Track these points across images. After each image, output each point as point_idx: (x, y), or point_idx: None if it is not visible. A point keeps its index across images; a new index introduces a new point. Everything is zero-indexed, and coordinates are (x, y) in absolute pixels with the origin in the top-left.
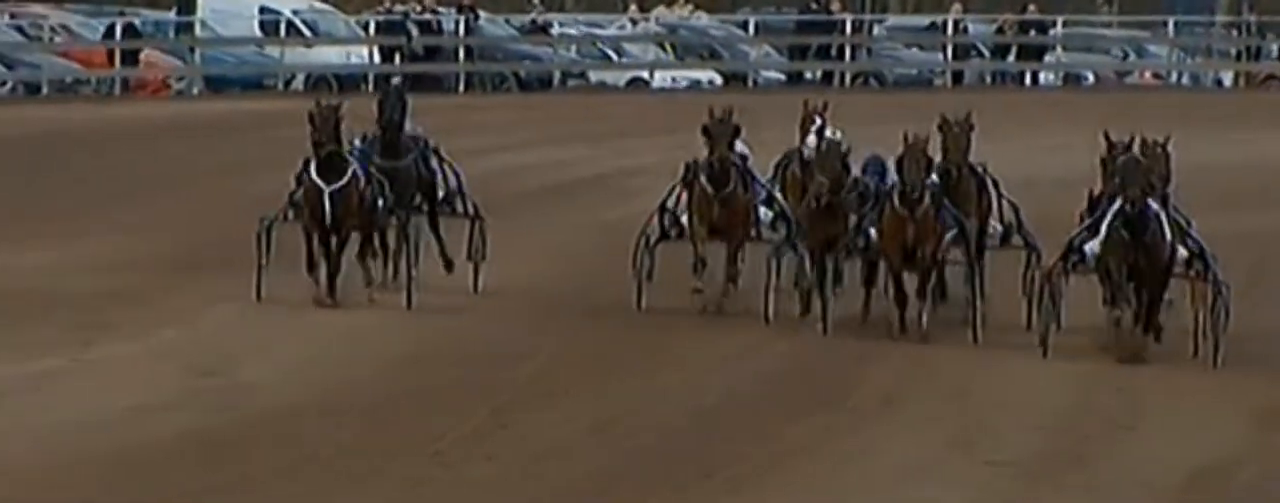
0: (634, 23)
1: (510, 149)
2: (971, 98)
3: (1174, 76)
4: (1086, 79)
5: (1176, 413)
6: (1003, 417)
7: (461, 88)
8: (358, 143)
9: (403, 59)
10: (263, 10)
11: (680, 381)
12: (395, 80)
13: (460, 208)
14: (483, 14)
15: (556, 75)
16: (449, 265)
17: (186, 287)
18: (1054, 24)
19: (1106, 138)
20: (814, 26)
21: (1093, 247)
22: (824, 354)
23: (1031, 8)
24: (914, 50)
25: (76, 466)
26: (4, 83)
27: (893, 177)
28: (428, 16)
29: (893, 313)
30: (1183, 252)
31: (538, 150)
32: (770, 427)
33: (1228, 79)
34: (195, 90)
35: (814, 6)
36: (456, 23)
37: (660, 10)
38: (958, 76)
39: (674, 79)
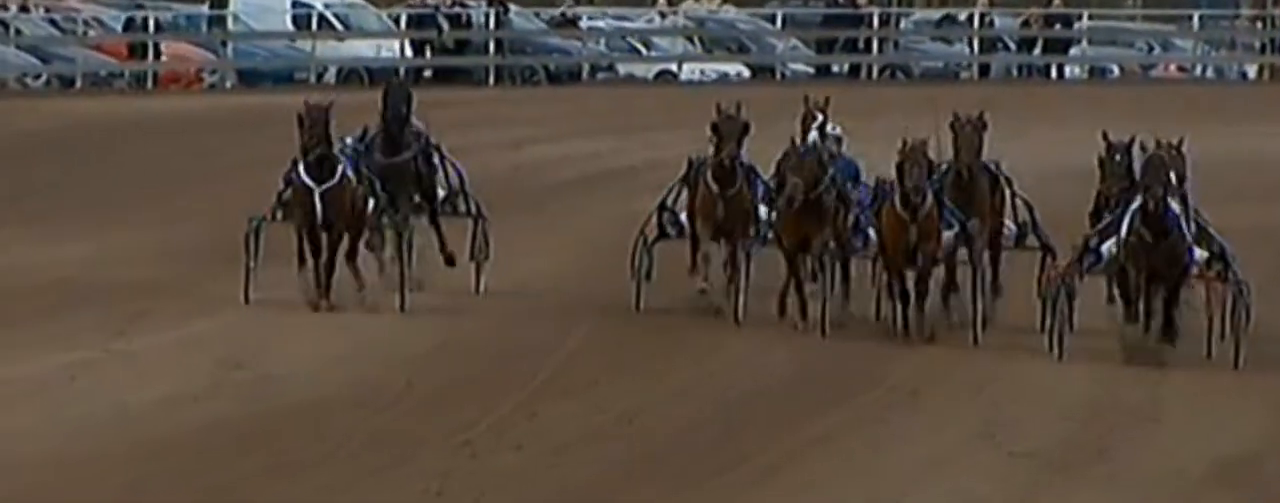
0: (662, 16)
1: (540, 141)
2: (997, 91)
3: (1198, 70)
4: (1112, 72)
5: (1199, 406)
6: (1025, 409)
7: (491, 81)
8: (349, 141)
9: (433, 53)
10: (295, 4)
11: (704, 374)
12: (399, 76)
13: (463, 207)
14: (512, 8)
15: (585, 68)
16: (450, 260)
17: (218, 279)
18: (1079, 18)
19: (1105, 137)
20: (841, 20)
21: (1109, 247)
22: (844, 350)
23: (1057, 1)
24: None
25: (110, 455)
26: (39, 76)
27: (866, 178)
28: (458, 10)
29: (893, 314)
30: (1201, 252)
31: (567, 143)
32: (794, 419)
33: (1252, 72)
34: (228, 84)
35: (841, 0)
36: (486, 16)
37: (688, 4)
38: (984, 70)
39: (702, 72)
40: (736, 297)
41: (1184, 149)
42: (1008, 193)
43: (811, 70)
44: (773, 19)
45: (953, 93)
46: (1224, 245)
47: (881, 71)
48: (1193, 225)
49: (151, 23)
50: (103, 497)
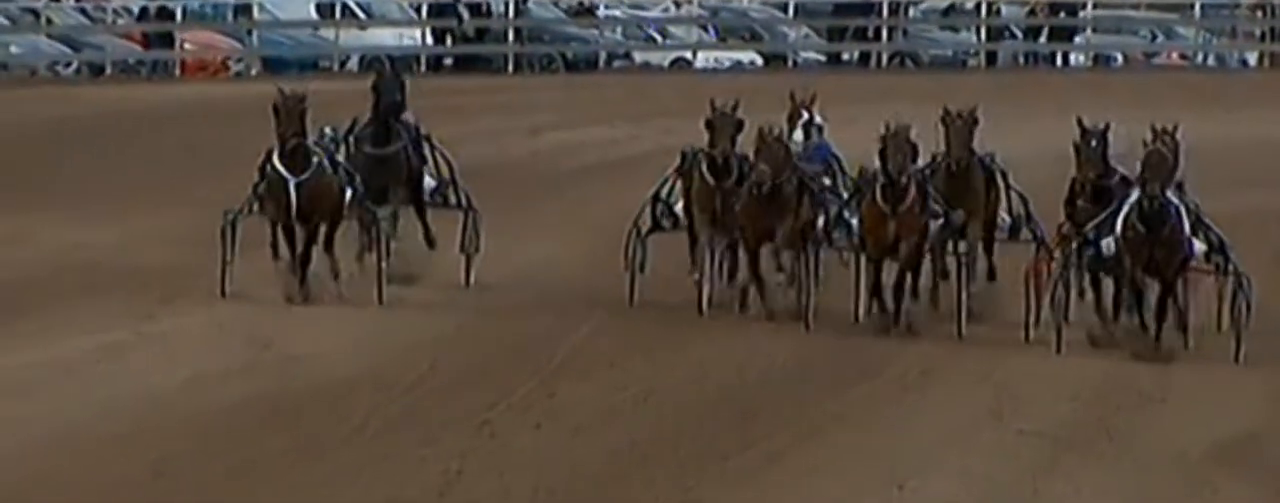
0: (677, 5)
1: (558, 128)
2: (1004, 78)
3: (1200, 57)
4: (1115, 60)
5: (1204, 387)
6: (1033, 390)
7: (511, 69)
8: (328, 132)
9: (454, 41)
10: None
11: (720, 354)
12: (389, 64)
13: (453, 199)
14: None
15: (602, 56)
16: (432, 244)
17: (246, 261)
18: (1084, 6)
19: (1079, 123)
20: (851, 9)
21: (1107, 243)
22: (854, 334)
23: None
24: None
25: (138, 434)
26: (70, 64)
27: (850, 168)
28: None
29: (870, 306)
30: (1200, 245)
31: (585, 129)
32: (807, 401)
33: (1253, 59)
34: (253, 71)
35: None
36: (506, 5)
37: None
38: (991, 58)
39: (716, 60)
40: (700, 285)
41: (1179, 137)
42: (1002, 185)
43: (823, 58)
44: (785, 8)
45: (960, 80)
46: (1222, 237)
47: (891, 59)
48: (1190, 217)
49: (179, 12)
50: (132, 474)
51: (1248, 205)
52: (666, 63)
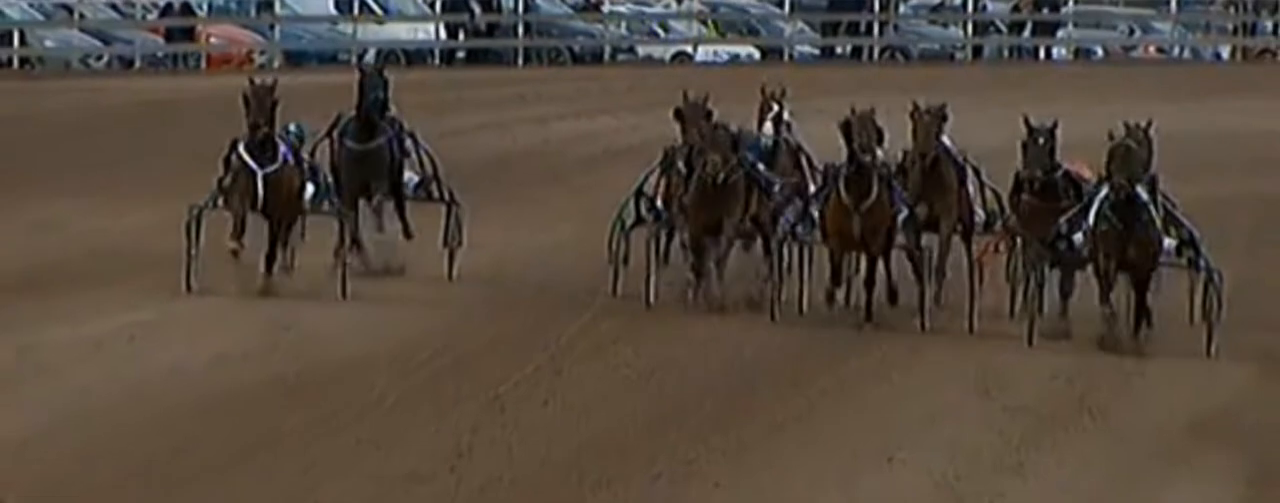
0: (678, 1)
1: (566, 118)
2: (989, 71)
3: (1176, 51)
4: (1096, 53)
5: (1181, 364)
6: (1018, 366)
7: (520, 62)
8: (293, 127)
9: (466, 35)
10: None
11: (719, 336)
12: (371, 61)
13: (436, 194)
14: None
15: (607, 50)
16: (409, 236)
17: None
18: (1066, 2)
19: (1026, 121)
20: (844, 4)
21: (1080, 237)
22: (849, 316)
23: None
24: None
25: (168, 410)
26: (101, 57)
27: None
28: None
29: (832, 298)
30: (1170, 241)
31: (592, 119)
32: (802, 376)
33: (1225, 53)
34: (275, 64)
35: None
36: (516, 1)
37: None
38: (977, 51)
39: (716, 53)
40: (647, 279)
41: (1151, 133)
42: (976, 182)
43: (817, 52)
44: (781, 3)
45: (948, 73)
46: (1193, 233)
47: (882, 53)
48: (1161, 212)
49: (204, 7)
50: (159, 448)
51: (1221, 191)
52: (668, 56)
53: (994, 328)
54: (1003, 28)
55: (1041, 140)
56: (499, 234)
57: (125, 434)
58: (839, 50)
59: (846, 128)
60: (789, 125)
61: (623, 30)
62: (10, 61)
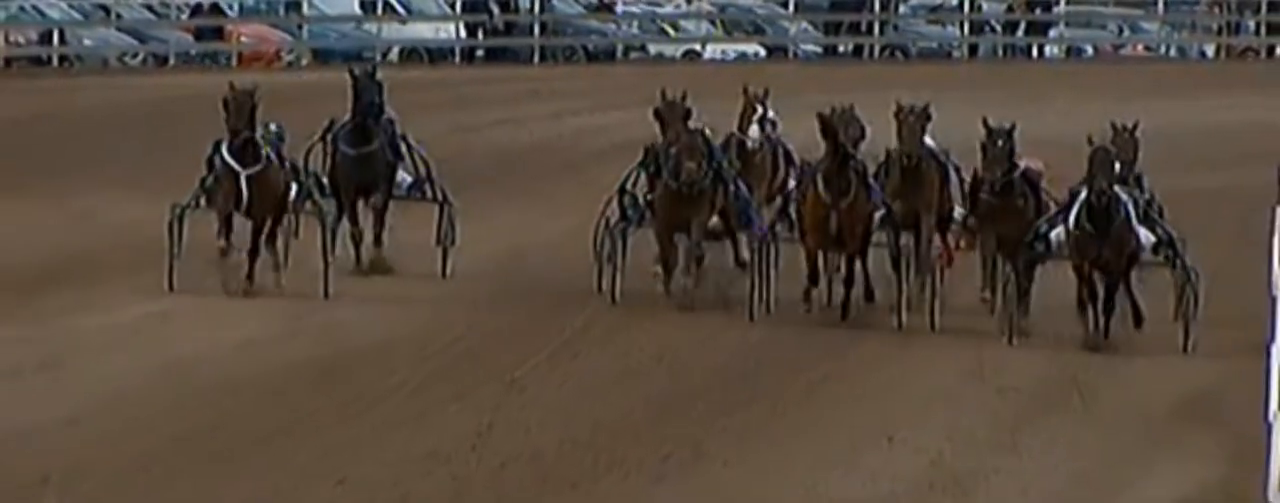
0: (688, 2)
1: (580, 113)
2: (985, 69)
3: (1163, 49)
4: (1086, 52)
5: (1167, 349)
6: (1010, 352)
7: (536, 59)
8: (273, 128)
9: (485, 34)
10: None
11: (728, 322)
12: (367, 65)
13: (430, 194)
14: None
15: (620, 48)
16: (378, 241)
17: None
18: (1058, 3)
19: (985, 123)
20: (846, 4)
21: (1057, 234)
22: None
23: None
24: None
25: (196, 394)
26: (136, 55)
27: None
28: None
29: (812, 295)
30: (1149, 237)
31: (605, 114)
32: (806, 362)
33: (1211, 51)
34: (303, 62)
35: None
36: (532, 2)
37: None
38: (973, 50)
39: (723, 52)
40: (604, 272)
41: (1138, 134)
42: (957, 181)
43: (820, 50)
44: (785, 4)
45: (945, 70)
46: (1170, 233)
47: (882, 51)
48: (1141, 212)
49: (235, 7)
50: (189, 428)
51: (1208, 184)
52: (678, 54)
53: (981, 324)
54: (997, 28)
55: (1000, 142)
56: (514, 223)
57: (160, 414)
58: (841, 49)
59: (825, 122)
60: (774, 124)
61: (634, 29)
62: (50, 59)
